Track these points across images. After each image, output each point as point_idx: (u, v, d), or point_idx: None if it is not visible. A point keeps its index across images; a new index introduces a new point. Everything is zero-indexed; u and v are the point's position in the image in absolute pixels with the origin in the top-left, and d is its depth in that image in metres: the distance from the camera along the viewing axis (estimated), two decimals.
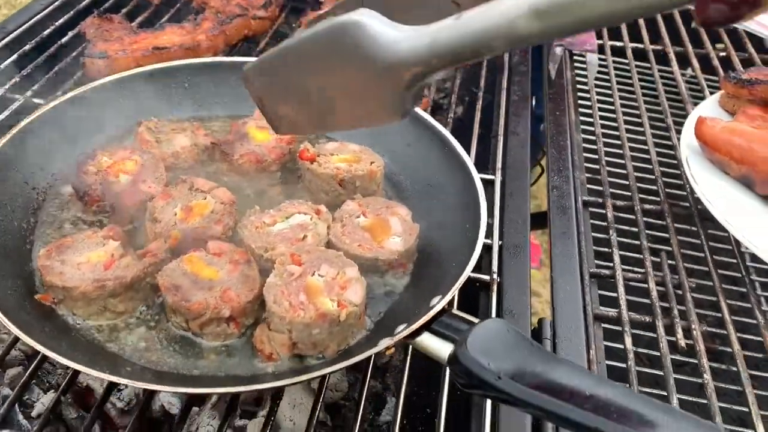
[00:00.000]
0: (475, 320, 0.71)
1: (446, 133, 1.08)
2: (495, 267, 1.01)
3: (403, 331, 0.74)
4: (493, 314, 0.94)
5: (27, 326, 0.80)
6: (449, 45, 0.59)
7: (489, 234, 1.05)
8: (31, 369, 0.88)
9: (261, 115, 1.05)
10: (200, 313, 0.85)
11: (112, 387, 0.88)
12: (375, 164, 1.08)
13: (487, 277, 1.00)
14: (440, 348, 0.71)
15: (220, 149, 1.11)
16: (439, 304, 0.75)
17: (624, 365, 0.92)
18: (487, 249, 1.04)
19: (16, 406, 0.98)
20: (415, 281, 0.96)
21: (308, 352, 0.84)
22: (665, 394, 0.89)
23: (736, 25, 1.66)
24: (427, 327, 0.73)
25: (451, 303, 0.81)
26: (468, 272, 0.84)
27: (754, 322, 1.00)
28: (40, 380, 1.13)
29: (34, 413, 1.08)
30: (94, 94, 1.12)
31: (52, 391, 1.12)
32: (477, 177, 0.99)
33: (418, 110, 1.11)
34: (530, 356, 0.66)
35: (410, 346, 0.88)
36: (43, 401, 1.10)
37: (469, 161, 1.03)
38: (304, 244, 0.94)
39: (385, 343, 0.75)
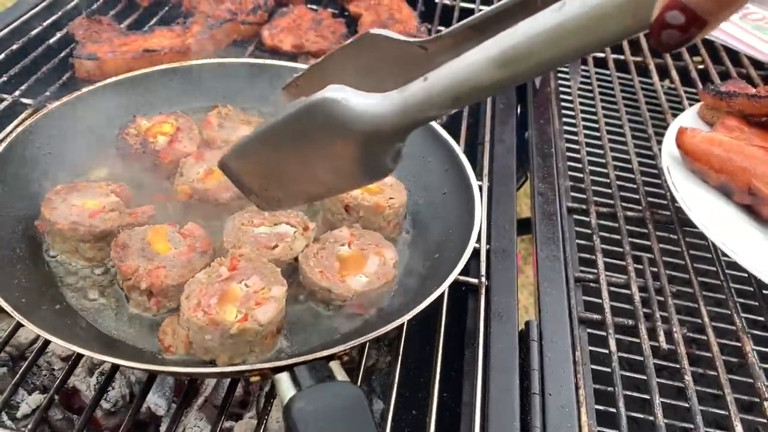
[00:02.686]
0: (339, 379, 0.70)
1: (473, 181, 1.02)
2: (483, 270, 1.03)
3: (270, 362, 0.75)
4: (482, 317, 0.96)
5: None
6: (421, 105, 0.62)
7: (477, 238, 1.07)
8: (21, 372, 0.88)
9: None
10: (126, 276, 0.90)
11: (102, 391, 0.88)
12: (392, 200, 1.02)
13: (475, 281, 1.02)
14: (286, 392, 0.70)
15: None
16: (330, 350, 0.74)
17: (608, 369, 0.95)
18: (475, 253, 1.05)
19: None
20: (364, 326, 0.90)
21: (200, 355, 0.84)
22: (647, 397, 0.92)
23: (712, 39, 1.71)
24: (291, 367, 0.72)
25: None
26: (393, 325, 0.80)
27: (732, 327, 1.03)
28: (25, 381, 1.12)
29: (19, 414, 1.08)
30: (203, 72, 1.22)
31: (38, 392, 1.12)
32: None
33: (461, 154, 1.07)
34: None
35: (400, 353, 0.91)
36: (28, 402, 1.10)
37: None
38: (271, 254, 0.94)
39: (246, 366, 0.77)
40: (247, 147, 0.80)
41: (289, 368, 0.72)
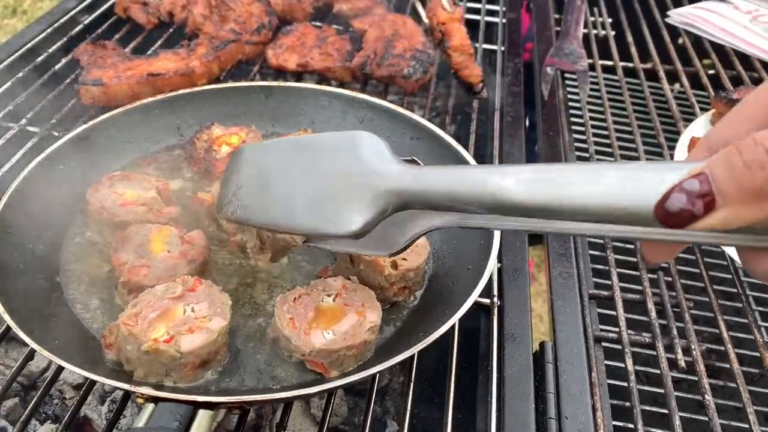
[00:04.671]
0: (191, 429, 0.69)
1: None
2: (495, 290, 1.01)
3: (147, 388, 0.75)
4: (495, 339, 0.94)
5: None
6: (424, 189, 0.64)
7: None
8: (32, 404, 0.86)
9: None
10: (114, 267, 0.93)
11: (113, 424, 0.87)
12: (404, 261, 0.93)
13: (487, 301, 1.00)
14: (135, 424, 0.70)
15: None
16: (204, 398, 0.72)
17: (625, 384, 0.93)
18: None
19: None
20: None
21: (124, 363, 0.82)
22: (666, 412, 0.90)
23: (722, 43, 1.68)
24: (156, 401, 0.71)
25: None
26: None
27: (751, 337, 1.01)
28: (37, 411, 1.12)
29: None
30: (298, 95, 1.26)
31: (50, 421, 1.11)
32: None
33: None
34: None
35: (413, 371, 0.89)
36: None
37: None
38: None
39: (125, 385, 0.75)
40: (274, 145, 0.84)
41: (155, 401, 0.70)
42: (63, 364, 0.74)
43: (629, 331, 0.99)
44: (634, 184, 0.47)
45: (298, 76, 1.49)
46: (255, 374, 0.85)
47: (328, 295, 0.88)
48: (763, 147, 0.37)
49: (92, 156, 1.11)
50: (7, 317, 0.79)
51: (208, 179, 1.13)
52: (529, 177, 0.54)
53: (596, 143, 1.40)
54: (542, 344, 0.94)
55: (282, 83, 1.27)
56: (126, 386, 0.74)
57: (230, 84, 1.27)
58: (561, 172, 0.53)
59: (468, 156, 1.08)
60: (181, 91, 1.22)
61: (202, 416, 0.69)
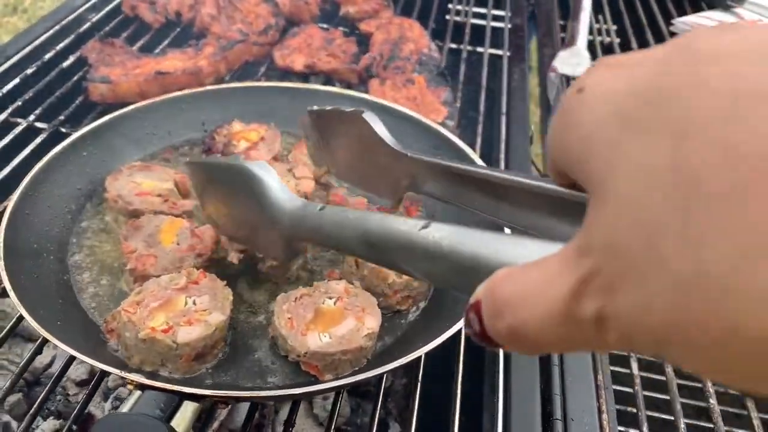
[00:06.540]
0: (174, 420, 0.68)
1: None
2: None
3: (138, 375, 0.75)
4: None
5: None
6: (310, 229, 0.70)
7: None
8: (40, 399, 0.86)
9: None
10: (123, 253, 0.94)
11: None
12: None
13: None
14: (119, 409, 0.71)
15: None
16: (191, 389, 0.72)
17: (631, 390, 0.93)
18: None
19: None
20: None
21: (122, 350, 0.82)
22: (672, 418, 0.90)
23: None
24: (144, 388, 0.72)
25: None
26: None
27: None
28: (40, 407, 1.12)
29: None
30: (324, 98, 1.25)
31: (52, 417, 1.11)
32: None
33: None
34: None
35: (420, 373, 0.89)
36: (43, 428, 1.09)
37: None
38: None
39: (116, 371, 0.75)
40: (201, 166, 0.91)
41: (142, 388, 0.71)
42: (72, 352, 0.74)
43: None
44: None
45: (304, 77, 1.49)
46: (250, 371, 0.84)
47: (330, 298, 0.87)
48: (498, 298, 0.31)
49: (115, 145, 1.13)
50: (17, 302, 0.80)
51: None
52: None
53: None
54: None
55: (308, 86, 1.28)
56: (117, 371, 0.74)
57: (258, 83, 1.28)
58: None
59: (475, 157, 1.08)
60: (208, 88, 1.24)
61: (186, 407, 0.69)
